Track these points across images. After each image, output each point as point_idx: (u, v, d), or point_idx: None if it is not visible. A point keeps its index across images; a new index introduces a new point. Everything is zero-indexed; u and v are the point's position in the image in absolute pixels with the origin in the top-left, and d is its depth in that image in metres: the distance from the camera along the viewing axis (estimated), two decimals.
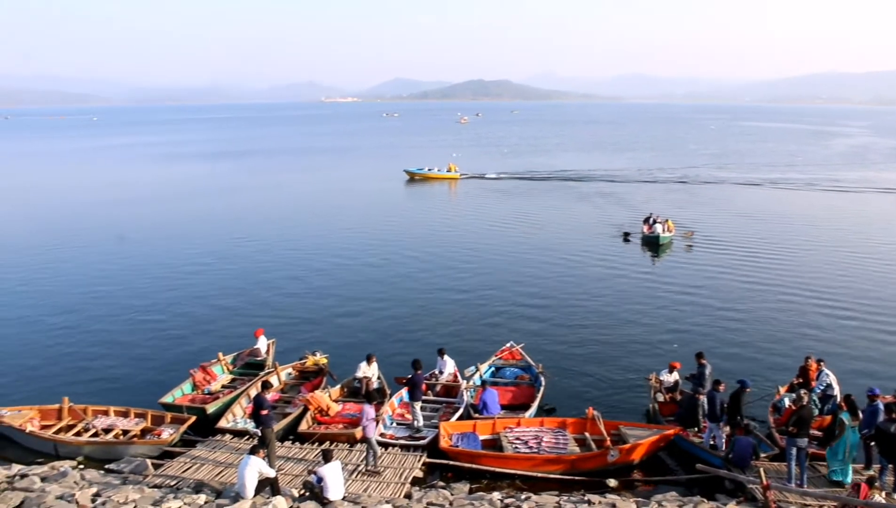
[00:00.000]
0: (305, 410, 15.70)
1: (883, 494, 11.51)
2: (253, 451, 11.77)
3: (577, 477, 13.50)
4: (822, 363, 15.85)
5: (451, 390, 17.19)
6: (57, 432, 14.96)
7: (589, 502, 12.12)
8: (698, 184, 57.93)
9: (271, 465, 12.49)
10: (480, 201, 49.47)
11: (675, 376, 16.67)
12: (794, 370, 16.76)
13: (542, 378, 17.31)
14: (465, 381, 17.23)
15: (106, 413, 15.58)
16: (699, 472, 13.11)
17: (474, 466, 13.66)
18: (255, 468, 11.55)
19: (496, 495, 12.47)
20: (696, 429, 14.85)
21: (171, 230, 39.04)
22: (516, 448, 14.27)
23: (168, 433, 14.63)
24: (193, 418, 15.27)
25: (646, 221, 35.80)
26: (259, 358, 18.84)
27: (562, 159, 79.28)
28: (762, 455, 13.57)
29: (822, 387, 15.25)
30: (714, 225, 38.97)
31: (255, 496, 11.53)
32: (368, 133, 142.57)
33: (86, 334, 21.95)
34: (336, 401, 16.40)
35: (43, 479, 12.38)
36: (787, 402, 15.31)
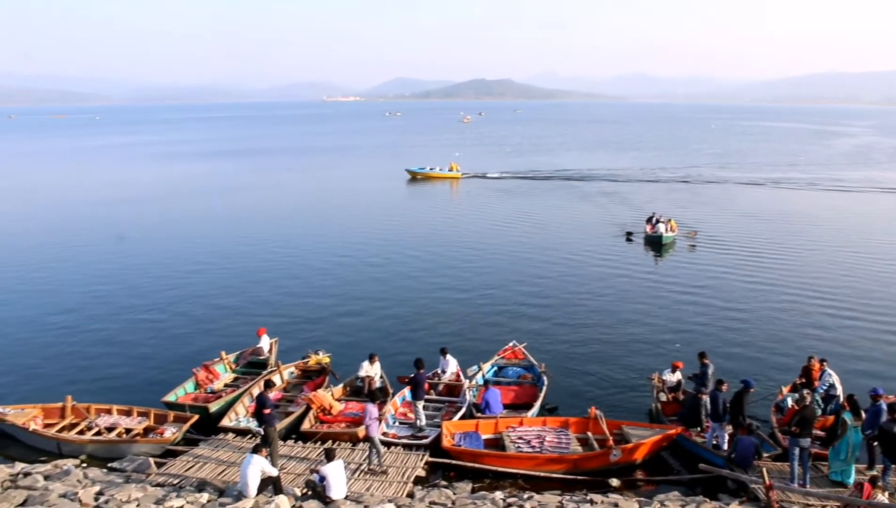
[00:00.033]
0: (308, 409, 15.72)
1: (886, 494, 11.49)
2: (255, 450, 11.79)
3: (579, 477, 13.49)
4: (824, 363, 15.82)
5: (454, 389, 17.18)
6: (60, 430, 14.99)
7: (591, 501, 12.12)
8: (701, 183, 57.86)
9: (274, 464, 12.51)
10: (482, 201, 49.45)
11: (677, 375, 16.65)
12: (796, 370, 16.73)
13: (545, 378, 17.31)
14: (467, 380, 17.23)
15: (109, 412, 15.60)
16: (702, 472, 13.12)
17: (477, 465, 13.67)
18: (258, 467, 11.57)
19: (498, 494, 12.47)
20: (698, 429, 14.83)
21: (172, 229, 39.08)
22: (519, 447, 14.27)
23: (171, 432, 14.65)
24: (196, 417, 15.29)
25: (649, 220, 35.74)
26: (262, 357, 18.85)
27: (564, 159, 79.22)
28: (765, 454, 13.54)
29: (824, 387, 15.22)
30: (717, 225, 38.94)
31: (257, 494, 11.55)
32: (371, 132, 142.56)
33: (88, 332, 21.98)
34: (338, 400, 16.42)
35: (46, 477, 12.41)
36: (789, 402, 15.30)
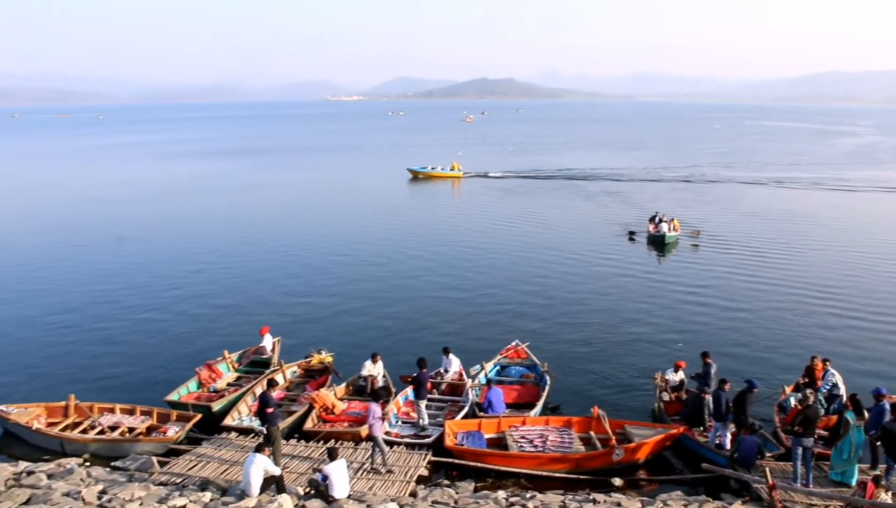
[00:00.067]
0: (311, 408, 15.72)
1: (889, 493, 11.46)
2: (258, 449, 11.79)
3: (582, 476, 13.48)
4: (827, 363, 15.81)
5: (457, 388, 17.19)
6: (63, 429, 15.02)
7: (594, 501, 12.11)
8: (704, 183, 57.75)
9: (277, 463, 12.51)
10: (484, 200, 49.43)
11: (680, 375, 16.64)
12: (799, 370, 16.73)
13: (548, 377, 17.30)
14: (470, 380, 17.23)
15: (112, 411, 15.64)
16: (704, 471, 13.11)
17: (479, 464, 13.67)
18: (261, 466, 11.58)
19: (501, 493, 12.48)
20: (701, 428, 14.83)
21: (174, 229, 39.13)
22: (521, 446, 14.27)
23: (174, 431, 14.68)
24: (199, 416, 15.31)
25: (651, 220, 35.69)
26: (264, 356, 18.87)
27: (567, 158, 79.08)
28: (768, 454, 13.55)
29: (827, 387, 15.22)
30: (720, 224, 38.86)
31: (260, 493, 11.55)
32: (373, 132, 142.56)
33: (91, 331, 22.02)
34: (341, 399, 16.43)
35: (49, 476, 12.43)
36: (792, 401, 15.30)
